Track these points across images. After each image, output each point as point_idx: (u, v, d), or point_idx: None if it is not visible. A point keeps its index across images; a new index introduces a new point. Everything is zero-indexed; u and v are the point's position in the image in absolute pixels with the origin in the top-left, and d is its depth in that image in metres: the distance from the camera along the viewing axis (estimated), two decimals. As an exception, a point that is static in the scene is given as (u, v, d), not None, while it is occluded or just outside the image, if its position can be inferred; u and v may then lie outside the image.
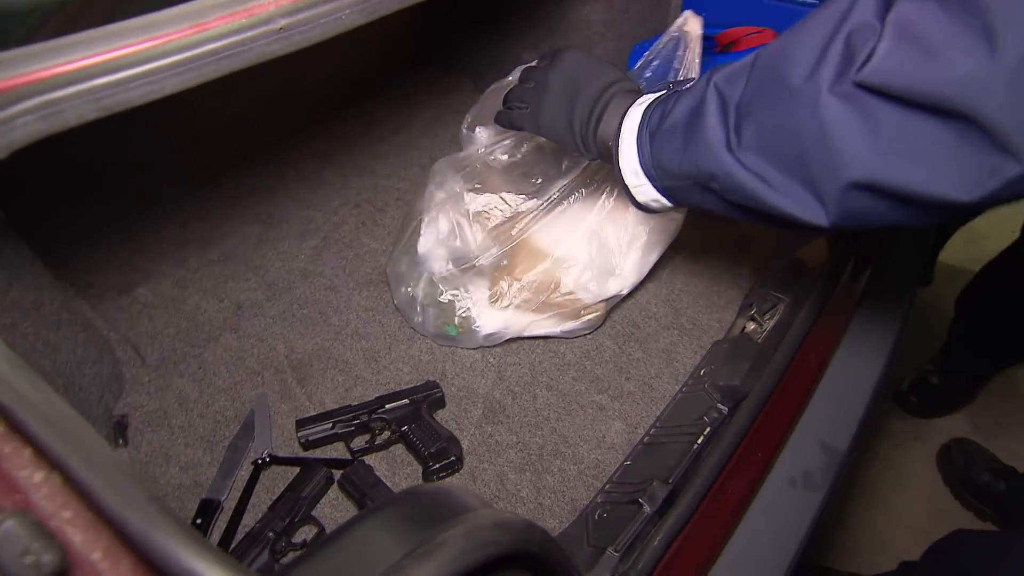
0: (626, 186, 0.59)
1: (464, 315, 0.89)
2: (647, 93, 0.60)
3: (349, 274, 1.03)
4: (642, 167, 0.56)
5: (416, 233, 0.94)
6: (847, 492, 1.27)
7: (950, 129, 0.37)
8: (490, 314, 0.89)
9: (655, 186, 0.57)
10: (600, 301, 0.89)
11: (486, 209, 0.91)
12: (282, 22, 0.40)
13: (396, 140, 1.29)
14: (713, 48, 1.17)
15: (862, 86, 0.40)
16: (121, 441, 0.77)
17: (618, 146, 0.58)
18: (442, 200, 0.92)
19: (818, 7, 0.46)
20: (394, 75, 1.42)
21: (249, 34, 0.39)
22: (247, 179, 1.18)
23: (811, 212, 0.45)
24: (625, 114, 0.58)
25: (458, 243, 0.90)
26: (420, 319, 0.91)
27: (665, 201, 0.58)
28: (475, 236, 0.90)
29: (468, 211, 0.90)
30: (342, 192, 1.18)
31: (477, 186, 0.90)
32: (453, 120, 1.33)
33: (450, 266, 0.90)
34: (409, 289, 0.92)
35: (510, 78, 0.86)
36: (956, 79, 0.36)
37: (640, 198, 0.59)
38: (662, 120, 0.53)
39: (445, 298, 0.89)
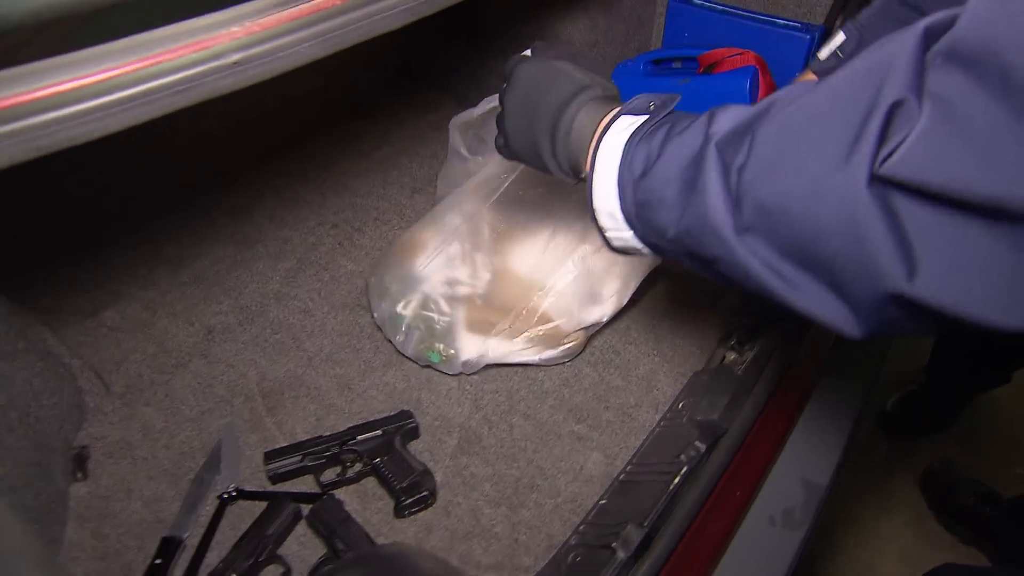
0: (600, 228, 0.51)
1: (448, 342, 0.87)
2: (622, 110, 0.49)
3: (324, 297, 1.00)
4: (623, 214, 0.47)
5: (410, 251, 0.92)
6: (832, 517, 1.26)
7: (1006, 237, 0.30)
8: (470, 341, 0.88)
9: (638, 236, 0.49)
10: (580, 329, 0.88)
11: (496, 242, 0.89)
12: (236, 56, 0.38)
13: (376, 157, 1.27)
14: (695, 69, 1.16)
15: (889, 181, 0.31)
16: (80, 474, 0.74)
17: (592, 182, 0.48)
18: (457, 226, 0.90)
19: (839, 72, 0.37)
20: (376, 91, 1.41)
21: (200, 69, 0.37)
22: (223, 198, 1.15)
23: (840, 320, 0.37)
24: (599, 138, 0.48)
25: (461, 272, 0.88)
26: (402, 338, 0.89)
27: (647, 251, 0.50)
28: (479, 267, 0.88)
29: (485, 241, 0.88)
30: (319, 211, 1.15)
31: (499, 217, 0.88)
32: (435, 138, 1.31)
33: (448, 291, 0.88)
34: (398, 307, 0.89)
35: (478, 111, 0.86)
36: (1010, 175, 0.28)
37: (616, 244, 0.51)
38: (648, 164, 0.44)
39: (438, 324, 0.87)
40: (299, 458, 0.76)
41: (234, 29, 0.39)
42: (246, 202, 1.16)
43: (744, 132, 0.39)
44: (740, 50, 1.12)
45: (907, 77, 0.32)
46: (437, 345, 0.88)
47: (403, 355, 0.91)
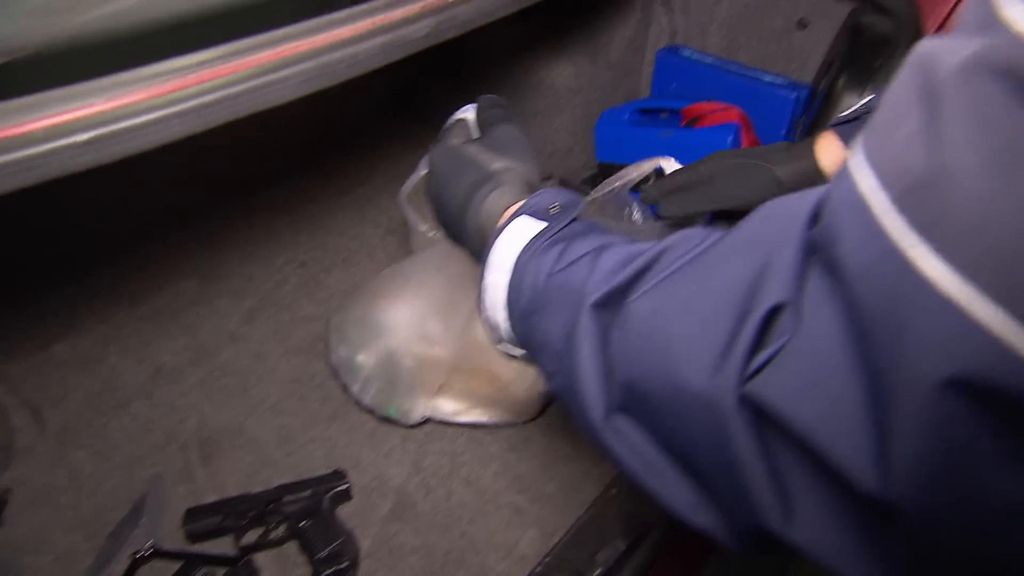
0: (492, 338, 0.46)
1: (410, 398, 0.84)
2: (522, 208, 0.43)
3: (280, 340, 0.98)
4: (513, 334, 0.42)
5: (379, 297, 0.89)
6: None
7: (857, 508, 0.24)
8: (430, 398, 0.84)
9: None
10: (537, 393, 0.84)
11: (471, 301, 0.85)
12: (87, 135, 0.36)
13: (356, 194, 1.26)
14: (679, 122, 1.13)
15: (756, 403, 0.26)
16: (-4, 522, 0.72)
17: (482, 292, 0.43)
18: (432, 280, 0.86)
19: (726, 240, 0.31)
20: (362, 125, 1.40)
21: (42, 148, 0.35)
22: (194, 230, 1.14)
23: (718, 535, 0.31)
24: (491, 243, 0.43)
25: (431, 327, 0.84)
26: (358, 387, 0.86)
27: None
28: (450, 324, 0.84)
29: (459, 300, 0.83)
30: (291, 248, 1.14)
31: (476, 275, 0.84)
32: (417, 177, 1.29)
33: (414, 346, 0.84)
34: (359, 356, 0.86)
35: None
36: (839, 432, 0.23)
37: (512, 357, 0.46)
38: (534, 294, 0.39)
39: (401, 379, 0.83)
40: (220, 518, 0.73)
41: (95, 102, 0.36)
42: (217, 235, 1.15)
43: (621, 295, 0.34)
44: (725, 105, 1.09)
45: (790, 272, 0.26)
46: (397, 400, 0.84)
47: (357, 404, 0.87)
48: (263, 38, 0.44)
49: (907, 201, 0.22)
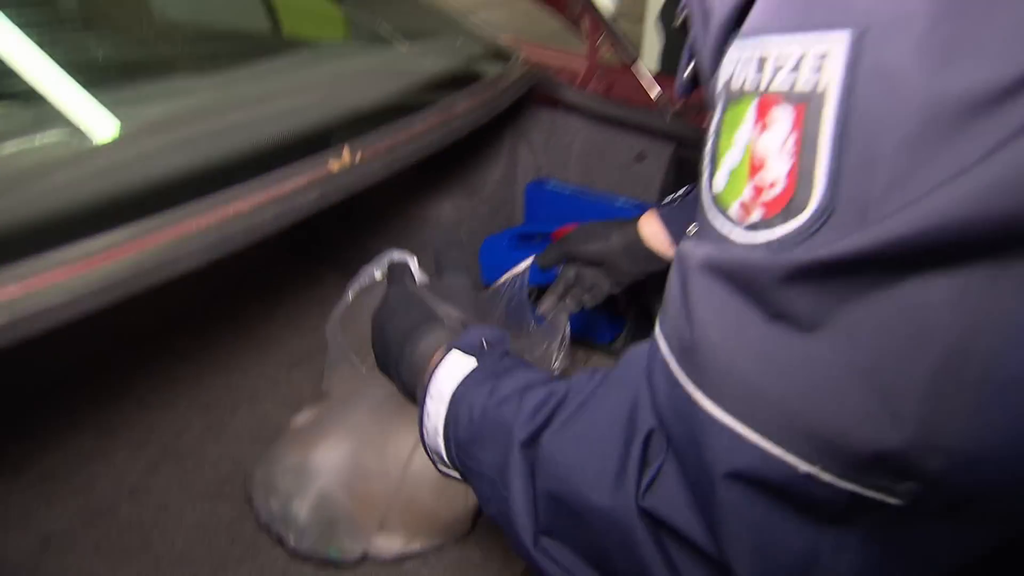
0: (432, 461, 0.49)
1: (353, 537, 0.84)
2: (454, 343, 0.48)
3: (184, 488, 0.97)
4: (451, 463, 0.46)
5: (306, 440, 0.89)
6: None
7: None
8: (365, 536, 0.85)
9: None
10: (467, 510, 0.87)
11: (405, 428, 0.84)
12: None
13: (257, 334, 1.29)
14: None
15: (650, 513, 0.32)
16: None
17: (423, 423, 0.47)
18: (374, 416, 0.86)
19: (613, 372, 0.39)
20: (258, 265, 1.46)
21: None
22: (88, 381, 1.13)
23: None
24: (429, 377, 0.47)
25: (370, 461, 0.84)
26: (295, 538, 0.84)
27: None
28: (388, 459, 0.84)
29: (394, 430, 0.84)
30: (192, 391, 1.14)
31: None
32: (318, 311, 1.35)
33: (350, 485, 0.84)
34: (293, 506, 0.84)
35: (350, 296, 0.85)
36: (704, 534, 0.30)
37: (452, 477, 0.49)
38: (470, 428, 0.43)
39: (342, 521, 0.83)
40: None
41: (10, 287, 0.41)
42: (114, 385, 1.13)
43: (541, 433, 0.39)
44: (588, 226, 1.26)
45: (652, 410, 0.33)
46: (336, 542, 0.84)
47: (294, 554, 0.85)
48: (166, 217, 0.51)
49: (684, 361, 0.32)
